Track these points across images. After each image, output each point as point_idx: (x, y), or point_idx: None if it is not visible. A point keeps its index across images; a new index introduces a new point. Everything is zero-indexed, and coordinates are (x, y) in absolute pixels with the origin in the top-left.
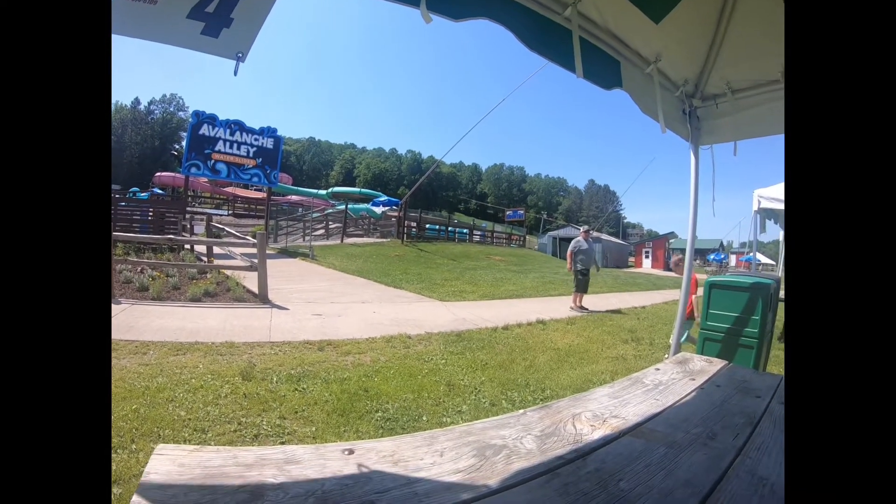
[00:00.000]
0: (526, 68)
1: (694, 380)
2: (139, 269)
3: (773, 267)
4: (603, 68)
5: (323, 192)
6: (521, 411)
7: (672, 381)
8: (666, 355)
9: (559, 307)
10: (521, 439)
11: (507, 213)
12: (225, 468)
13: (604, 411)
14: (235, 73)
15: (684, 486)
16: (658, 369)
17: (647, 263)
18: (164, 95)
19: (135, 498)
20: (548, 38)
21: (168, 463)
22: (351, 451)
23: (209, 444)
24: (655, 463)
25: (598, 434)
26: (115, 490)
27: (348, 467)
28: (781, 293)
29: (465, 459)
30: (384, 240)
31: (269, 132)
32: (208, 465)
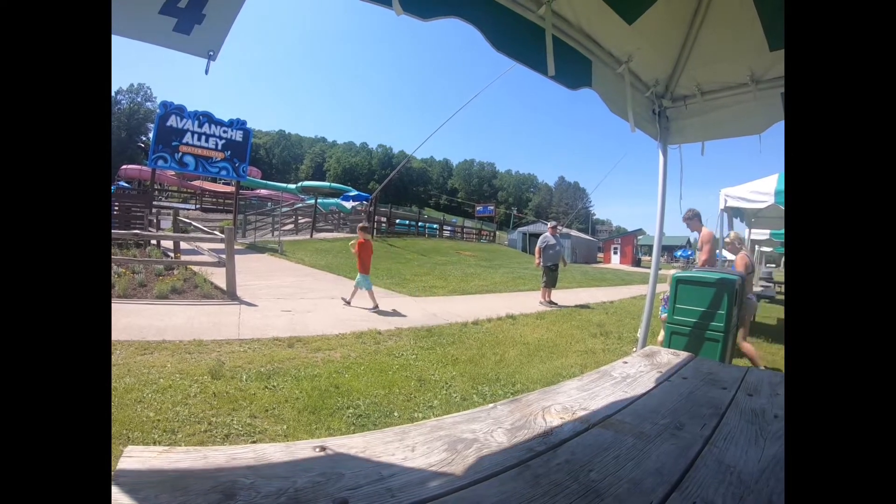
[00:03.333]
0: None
1: (661, 372)
2: None
3: None
4: (574, 67)
5: (292, 186)
6: (492, 405)
7: (640, 373)
8: (634, 349)
9: (529, 302)
10: (491, 433)
11: (478, 208)
12: (196, 469)
13: (573, 404)
14: (207, 72)
15: (654, 475)
16: (626, 362)
17: (615, 259)
18: (132, 85)
19: None
20: (519, 37)
21: (137, 465)
22: (322, 448)
23: (179, 446)
24: (625, 453)
25: (567, 426)
26: None
27: (320, 464)
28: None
29: (436, 454)
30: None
31: (238, 124)
32: (179, 467)
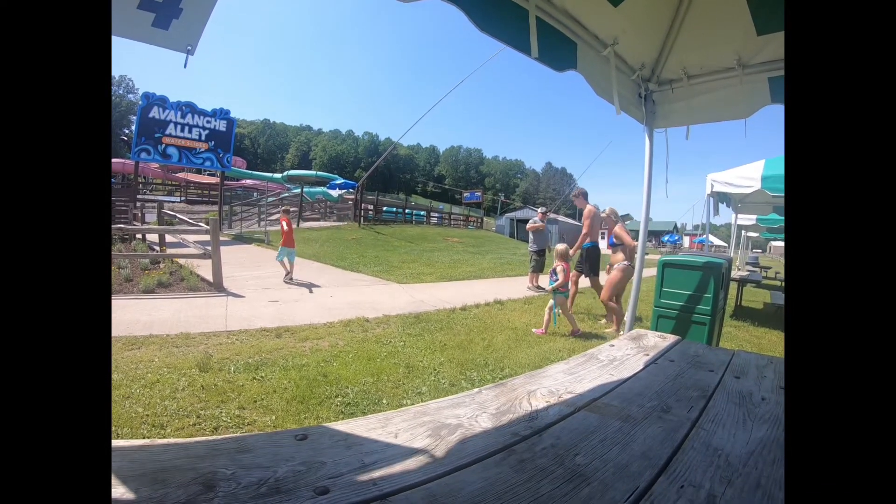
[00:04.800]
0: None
1: (648, 355)
2: None
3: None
4: (558, 49)
5: (278, 175)
6: (477, 390)
7: (626, 356)
8: (620, 332)
9: (517, 287)
10: (476, 418)
11: (465, 195)
12: (177, 461)
13: (559, 388)
14: (185, 66)
15: (640, 458)
16: (612, 345)
17: (602, 245)
18: (113, 77)
19: None
20: (502, 18)
21: (119, 459)
22: (304, 437)
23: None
24: (611, 437)
25: (553, 410)
26: None
27: (301, 453)
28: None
29: (419, 440)
30: (341, 223)
31: (221, 114)
32: (160, 459)
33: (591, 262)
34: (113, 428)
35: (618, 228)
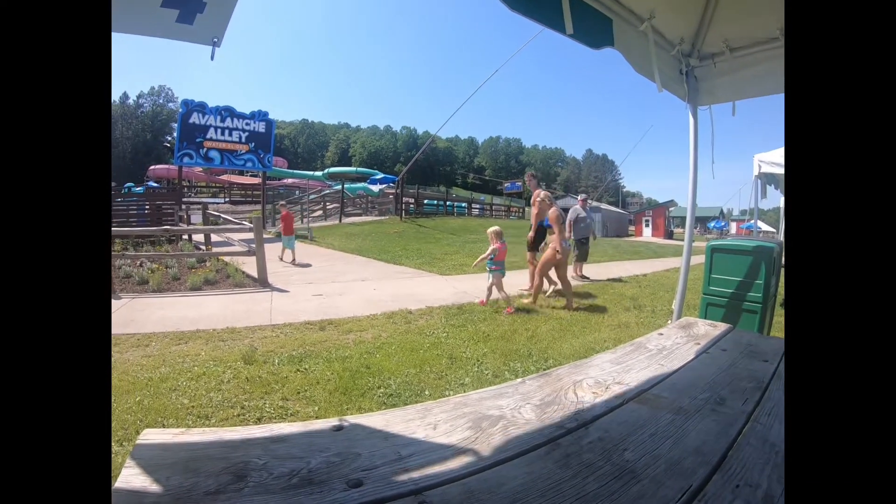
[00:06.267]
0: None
1: (699, 344)
2: (138, 262)
3: (773, 234)
4: (593, 26)
5: (319, 173)
6: (520, 380)
7: (676, 345)
8: (669, 321)
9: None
10: (519, 409)
11: (506, 185)
12: (210, 450)
13: (606, 378)
14: (212, 58)
15: (693, 454)
16: (661, 334)
17: (647, 232)
18: (153, 88)
19: (116, 484)
20: None
21: (153, 448)
22: (339, 428)
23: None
24: (662, 431)
25: (600, 401)
26: None
27: (336, 444)
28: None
29: (459, 432)
30: (383, 217)
31: (260, 116)
32: (193, 448)
33: (536, 239)
34: (159, 419)
35: (551, 213)
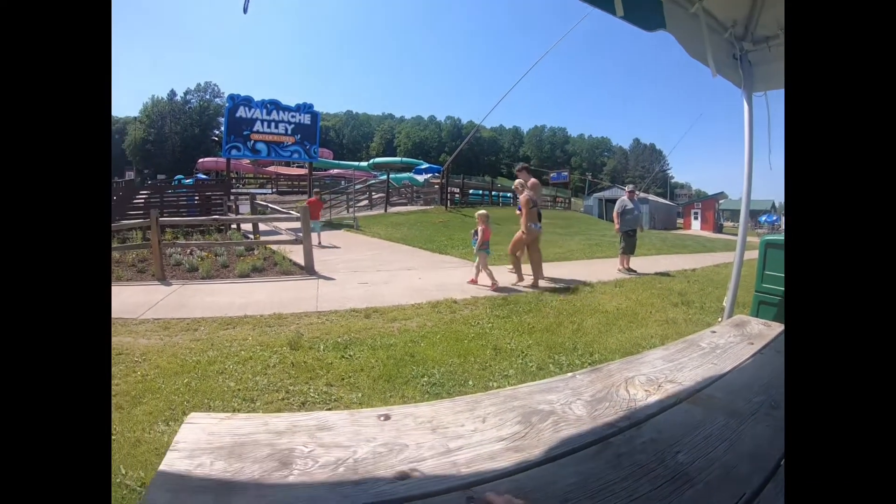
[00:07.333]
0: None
1: (752, 344)
2: (188, 251)
3: None
4: (644, 7)
5: (364, 163)
6: (570, 374)
7: (729, 344)
8: (719, 319)
9: (607, 269)
10: (569, 405)
11: (551, 175)
12: (255, 435)
13: (658, 375)
14: (245, 11)
15: (748, 459)
16: (714, 332)
17: (695, 225)
18: (199, 84)
19: (161, 467)
20: None
21: (198, 431)
22: (387, 417)
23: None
24: (716, 433)
25: (652, 400)
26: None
27: (383, 434)
28: None
29: (509, 426)
30: (428, 207)
31: (305, 108)
32: (238, 433)
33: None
34: (206, 400)
35: (522, 197)
